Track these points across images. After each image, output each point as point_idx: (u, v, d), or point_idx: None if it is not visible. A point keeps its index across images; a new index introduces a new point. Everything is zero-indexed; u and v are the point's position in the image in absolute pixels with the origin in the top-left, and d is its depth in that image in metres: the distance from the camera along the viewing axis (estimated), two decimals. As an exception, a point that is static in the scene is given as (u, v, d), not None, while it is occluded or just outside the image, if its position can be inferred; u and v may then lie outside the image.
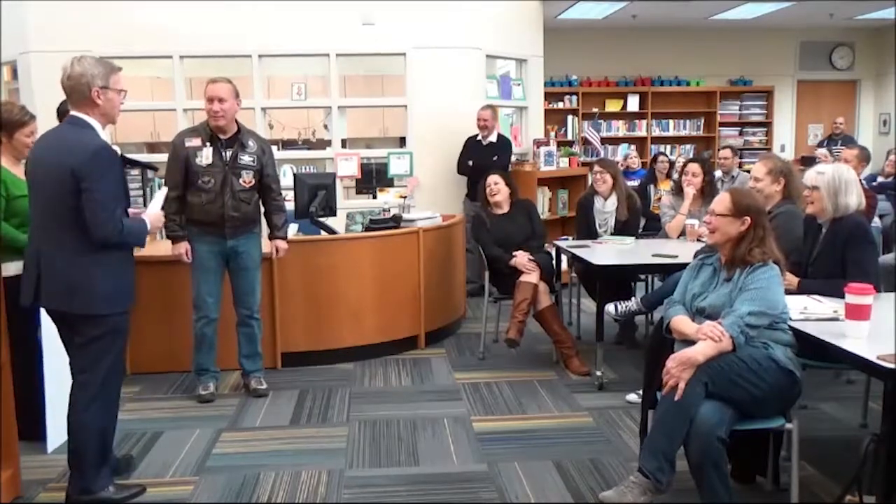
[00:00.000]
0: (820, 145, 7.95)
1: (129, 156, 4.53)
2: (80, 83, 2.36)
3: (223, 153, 3.44)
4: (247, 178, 3.48)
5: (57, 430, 2.85)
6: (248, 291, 3.59)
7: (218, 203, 3.43)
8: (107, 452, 2.57)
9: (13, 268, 2.63)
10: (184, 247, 3.48)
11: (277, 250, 3.68)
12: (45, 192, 2.37)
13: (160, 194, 2.70)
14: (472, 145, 5.54)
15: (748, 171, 5.58)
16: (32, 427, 2.88)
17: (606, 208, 4.43)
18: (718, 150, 8.77)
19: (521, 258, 3.96)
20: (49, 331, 2.74)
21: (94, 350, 2.43)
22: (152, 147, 7.30)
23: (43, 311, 2.63)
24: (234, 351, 3.69)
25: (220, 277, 3.56)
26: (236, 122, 3.50)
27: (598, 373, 3.68)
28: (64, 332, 2.51)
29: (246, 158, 3.47)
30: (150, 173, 4.81)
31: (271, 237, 3.68)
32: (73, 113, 2.42)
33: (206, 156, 3.42)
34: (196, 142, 3.44)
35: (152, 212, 2.60)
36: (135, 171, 4.55)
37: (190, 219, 3.48)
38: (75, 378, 2.47)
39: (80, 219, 2.32)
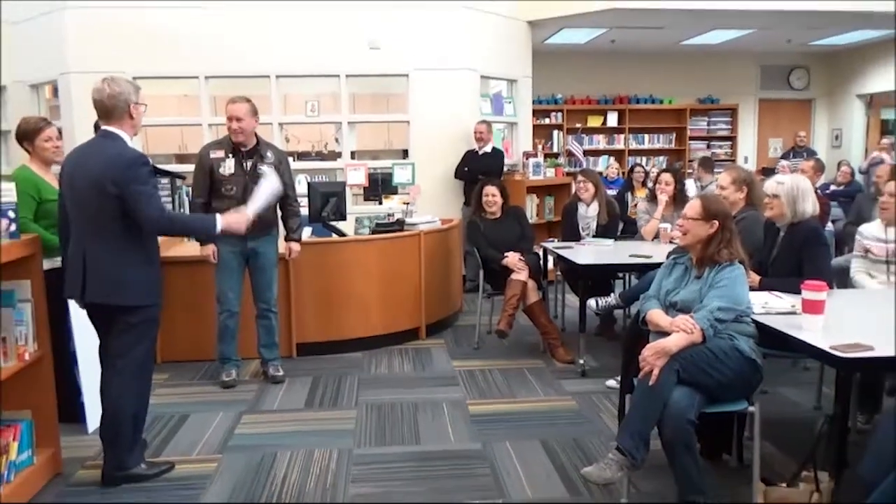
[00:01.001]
0: (784, 157, 7.96)
1: (159, 166, 4.52)
2: (120, 100, 2.38)
3: (244, 164, 3.44)
4: None
5: (95, 413, 2.84)
6: (265, 287, 3.58)
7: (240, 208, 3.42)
8: (139, 433, 2.57)
9: (45, 264, 2.62)
10: (210, 248, 3.48)
11: (290, 251, 3.68)
12: (87, 198, 2.37)
13: (267, 189, 2.70)
14: (469, 156, 5.61)
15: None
16: (69, 410, 2.88)
17: (589, 213, 4.43)
18: (689, 160, 8.83)
19: (512, 258, 3.96)
20: (79, 320, 2.74)
21: (131, 338, 2.44)
22: (180, 158, 7.28)
23: (71, 303, 2.63)
24: (254, 341, 3.69)
25: (241, 275, 3.56)
26: (255, 135, 3.49)
27: (581, 361, 3.68)
28: (102, 323, 2.50)
29: (264, 168, 3.47)
30: (178, 182, 4.80)
31: (287, 239, 3.67)
32: (105, 127, 2.43)
33: (228, 166, 3.42)
34: (220, 153, 3.44)
35: (240, 220, 2.59)
36: (164, 180, 4.54)
37: None
38: (112, 364, 2.47)
39: (120, 221, 2.34)
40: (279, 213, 3.62)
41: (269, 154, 3.51)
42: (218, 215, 2.58)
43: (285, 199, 3.58)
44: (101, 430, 2.53)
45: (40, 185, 2.89)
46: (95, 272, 2.37)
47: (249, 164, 3.44)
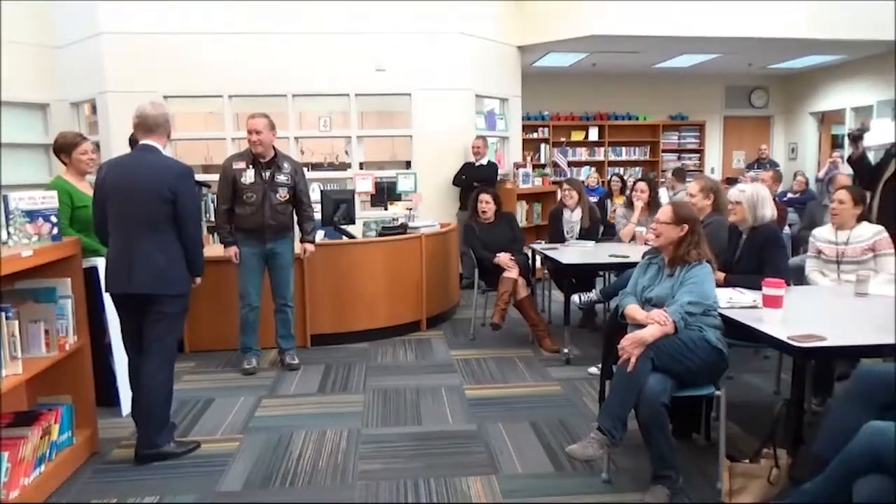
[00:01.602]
0: (749, 167, 7.97)
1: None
2: (165, 119, 2.49)
3: (263, 174, 3.43)
4: (282, 194, 3.46)
5: (129, 398, 2.83)
6: (283, 284, 3.57)
7: (259, 214, 3.42)
8: (168, 413, 2.56)
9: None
10: (233, 250, 3.48)
11: (306, 251, 3.67)
12: (137, 202, 2.40)
13: None
14: (468, 167, 5.60)
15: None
16: (105, 395, 2.88)
17: (573, 218, 4.43)
18: (662, 170, 8.83)
19: (503, 258, 3.96)
20: (115, 315, 2.72)
21: (166, 325, 2.47)
22: (206, 168, 7.26)
23: (107, 298, 2.64)
24: (273, 333, 3.68)
25: (261, 273, 3.55)
26: (273, 148, 3.48)
27: (566, 350, 3.68)
28: (138, 313, 2.48)
29: (281, 178, 3.46)
30: (203, 190, 4.79)
31: (302, 241, 3.67)
32: (146, 142, 2.48)
33: (249, 176, 3.41)
34: (241, 164, 3.43)
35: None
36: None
37: (237, 227, 3.47)
38: (148, 348, 2.46)
39: (166, 222, 2.41)
40: (295, 217, 3.61)
41: (285, 165, 3.50)
42: (199, 279, 2.63)
43: (300, 206, 3.57)
44: (134, 413, 2.52)
45: (73, 194, 2.89)
46: (144, 265, 2.41)
47: (268, 174, 3.44)
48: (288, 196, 3.48)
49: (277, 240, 3.50)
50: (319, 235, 4.16)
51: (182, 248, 2.47)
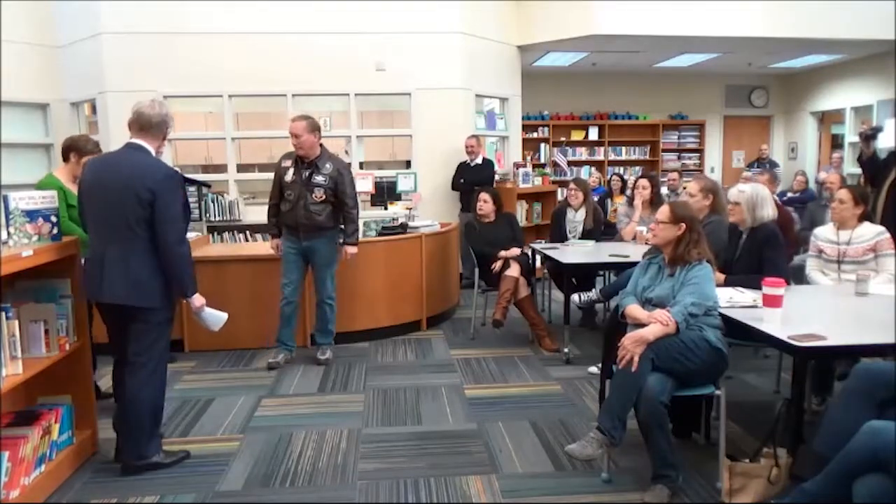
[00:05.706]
0: (750, 166, 7.96)
1: (187, 175, 4.52)
2: (161, 120, 2.37)
3: (302, 173, 3.47)
4: (318, 194, 3.45)
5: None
6: (320, 281, 3.63)
7: (295, 211, 3.48)
8: (158, 424, 2.46)
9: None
10: (275, 242, 3.60)
11: (346, 254, 3.62)
12: (115, 203, 2.25)
13: (219, 320, 2.53)
14: (462, 167, 5.58)
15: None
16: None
17: (577, 218, 4.42)
18: (661, 170, 8.82)
19: (506, 254, 3.95)
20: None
21: (151, 336, 2.33)
22: (206, 168, 7.26)
23: None
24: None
25: (300, 270, 3.59)
26: (321, 147, 3.50)
27: (566, 350, 3.67)
28: (119, 322, 2.37)
29: (318, 178, 3.46)
30: (204, 190, 4.79)
31: (343, 243, 3.61)
32: (134, 140, 2.35)
33: (290, 174, 3.48)
34: (287, 163, 3.52)
35: (203, 304, 2.44)
36: (192, 188, 4.53)
37: (281, 222, 3.56)
38: (133, 361, 2.34)
39: (148, 227, 2.25)
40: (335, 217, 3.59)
41: (326, 166, 3.49)
42: (198, 294, 2.40)
43: (342, 207, 3.54)
44: (119, 423, 2.41)
45: (66, 192, 2.88)
46: (119, 274, 2.26)
47: (306, 174, 3.47)
48: (324, 196, 3.46)
49: (312, 238, 3.52)
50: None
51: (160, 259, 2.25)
